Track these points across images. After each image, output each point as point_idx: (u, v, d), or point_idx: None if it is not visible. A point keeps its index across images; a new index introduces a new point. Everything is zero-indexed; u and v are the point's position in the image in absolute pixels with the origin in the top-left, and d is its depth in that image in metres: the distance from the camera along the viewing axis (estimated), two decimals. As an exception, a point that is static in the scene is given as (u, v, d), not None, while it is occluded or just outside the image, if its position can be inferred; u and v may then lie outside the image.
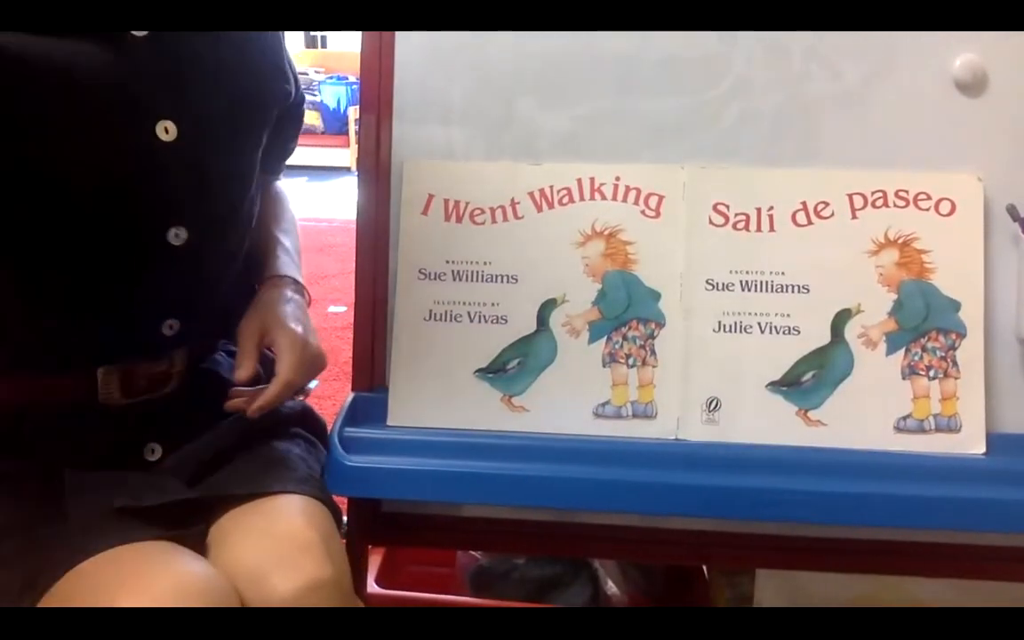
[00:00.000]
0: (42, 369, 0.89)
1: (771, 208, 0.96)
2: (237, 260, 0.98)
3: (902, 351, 0.94)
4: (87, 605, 0.75)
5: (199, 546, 0.86)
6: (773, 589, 1.18)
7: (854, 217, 0.95)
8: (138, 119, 0.84)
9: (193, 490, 0.89)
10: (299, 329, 0.94)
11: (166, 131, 0.85)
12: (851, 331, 0.94)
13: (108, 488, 0.86)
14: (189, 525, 0.86)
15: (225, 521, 0.88)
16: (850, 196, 0.95)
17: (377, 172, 0.99)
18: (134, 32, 0.83)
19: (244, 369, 0.92)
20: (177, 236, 0.88)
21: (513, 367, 0.96)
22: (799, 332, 0.95)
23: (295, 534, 0.85)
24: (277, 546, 0.84)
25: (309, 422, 1.04)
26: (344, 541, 0.93)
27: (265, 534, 0.85)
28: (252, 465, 0.92)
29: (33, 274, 0.86)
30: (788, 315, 0.95)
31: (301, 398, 0.98)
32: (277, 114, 1.00)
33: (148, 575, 0.77)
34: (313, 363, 0.95)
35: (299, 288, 1.00)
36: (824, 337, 0.94)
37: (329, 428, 0.96)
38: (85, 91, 0.81)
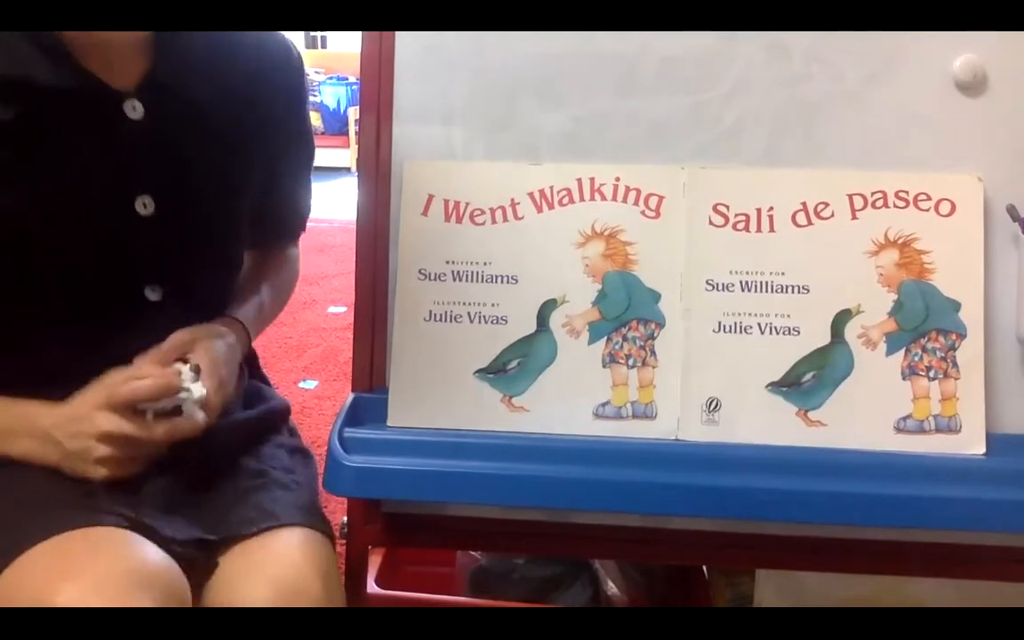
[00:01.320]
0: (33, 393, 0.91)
1: (771, 208, 0.96)
2: (223, 305, 1.03)
3: (902, 351, 0.94)
4: (31, 592, 0.75)
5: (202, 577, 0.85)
6: (773, 589, 1.18)
7: (854, 217, 0.95)
8: (117, 195, 0.88)
9: (196, 526, 0.88)
10: (223, 368, 0.94)
11: (144, 206, 0.89)
12: (851, 331, 0.94)
13: (112, 497, 0.87)
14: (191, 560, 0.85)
15: (224, 557, 0.87)
16: (850, 196, 0.95)
17: (377, 172, 0.99)
18: (130, 115, 0.87)
19: (151, 359, 0.90)
20: (154, 292, 0.93)
21: (513, 367, 0.96)
22: (799, 332, 0.94)
23: (296, 578, 0.84)
24: (277, 592, 0.83)
25: (292, 426, 1.05)
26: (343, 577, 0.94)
27: (265, 577, 0.84)
28: (251, 495, 0.92)
29: (24, 321, 0.90)
30: (788, 315, 0.95)
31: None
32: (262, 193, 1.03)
33: (95, 561, 0.77)
34: (222, 403, 0.95)
35: (245, 339, 1.01)
36: (824, 337, 0.94)
37: (328, 429, 0.96)
38: (70, 168, 0.86)
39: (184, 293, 0.95)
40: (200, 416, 0.88)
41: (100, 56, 0.86)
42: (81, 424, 0.85)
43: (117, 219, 0.89)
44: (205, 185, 0.95)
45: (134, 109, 0.87)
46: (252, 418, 1.02)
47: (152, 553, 0.80)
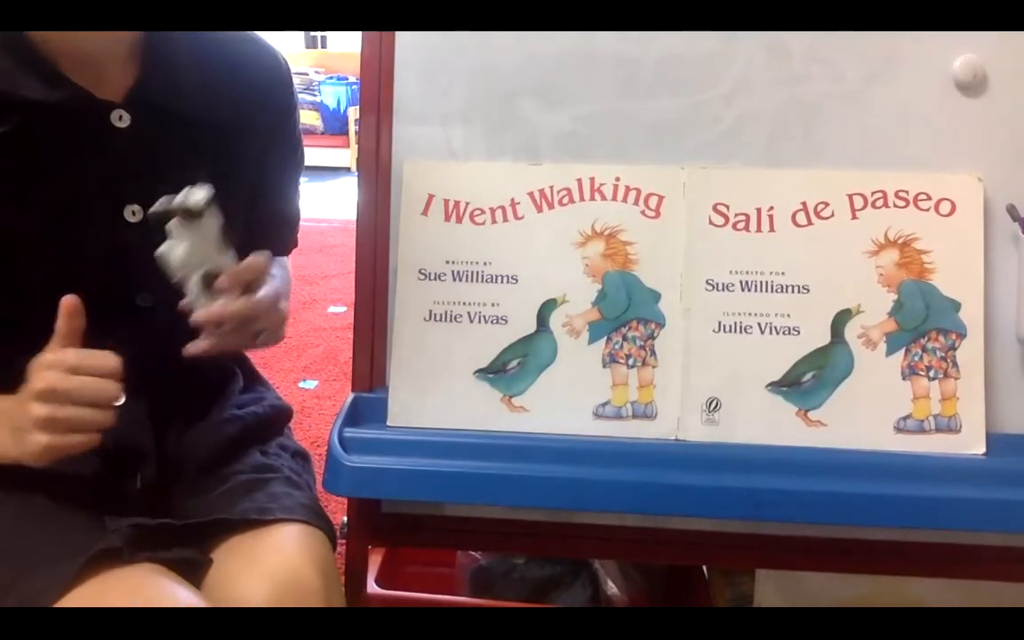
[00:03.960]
0: None
1: (771, 208, 0.96)
2: None
3: (902, 351, 0.94)
4: None
5: (193, 568, 0.85)
6: (773, 589, 1.18)
7: (854, 217, 0.95)
8: (105, 204, 0.90)
9: (189, 513, 0.88)
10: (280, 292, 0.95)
11: (133, 214, 0.90)
12: (851, 331, 0.94)
13: (97, 514, 0.86)
14: (183, 546, 0.85)
15: (222, 550, 0.87)
16: (850, 196, 0.95)
17: (377, 172, 0.99)
18: (116, 125, 0.88)
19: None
20: (144, 298, 0.93)
21: (513, 367, 0.96)
22: (799, 332, 0.94)
23: (294, 573, 0.84)
24: (275, 588, 0.83)
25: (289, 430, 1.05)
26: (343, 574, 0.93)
27: (263, 572, 0.84)
28: (256, 488, 0.92)
29: (15, 328, 0.89)
30: (788, 315, 0.95)
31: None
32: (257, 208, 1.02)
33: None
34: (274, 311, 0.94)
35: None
36: (824, 337, 0.94)
37: (328, 429, 0.96)
38: (60, 179, 0.87)
39: (175, 299, 0.95)
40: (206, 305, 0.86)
41: (89, 70, 0.87)
42: (21, 394, 0.82)
43: (106, 227, 0.90)
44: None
45: (120, 119, 0.89)
46: (261, 415, 1.02)
47: (184, 595, 0.80)
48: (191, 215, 0.84)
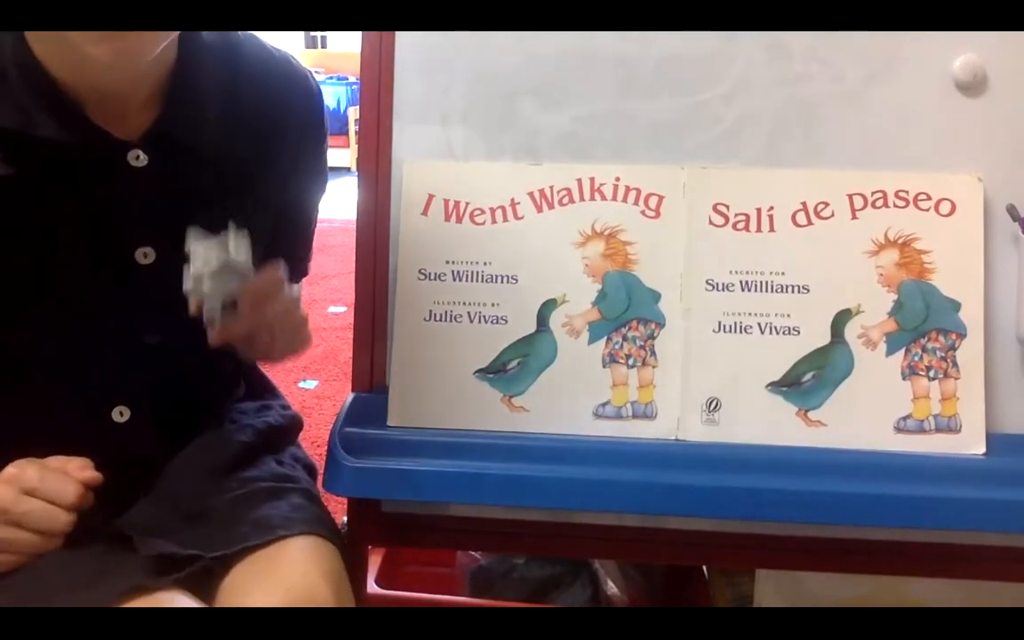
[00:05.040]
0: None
1: (771, 208, 0.96)
2: (213, 355, 0.98)
3: (902, 351, 0.94)
4: None
5: (204, 588, 0.85)
6: (773, 589, 1.18)
7: (854, 217, 0.95)
8: (117, 245, 0.88)
9: (197, 542, 0.87)
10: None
11: (145, 256, 0.89)
12: (851, 331, 0.94)
13: (115, 533, 0.86)
14: (191, 568, 0.85)
15: (235, 571, 0.86)
16: (850, 196, 0.95)
17: (377, 172, 0.99)
18: (133, 164, 0.86)
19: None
20: (151, 337, 0.92)
21: (513, 367, 0.96)
22: (799, 332, 0.94)
23: (309, 588, 0.84)
24: (292, 603, 0.82)
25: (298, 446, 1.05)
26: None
27: (276, 583, 0.84)
28: (268, 496, 0.92)
29: (21, 366, 0.89)
30: (788, 315, 0.95)
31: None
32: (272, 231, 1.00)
33: None
34: (297, 327, 0.94)
35: None
36: (824, 337, 0.94)
37: (328, 429, 0.96)
38: (72, 219, 0.86)
39: (182, 339, 0.93)
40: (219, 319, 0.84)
41: (107, 108, 0.85)
42: None
43: (116, 269, 0.89)
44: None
45: (138, 159, 0.87)
46: (274, 424, 1.02)
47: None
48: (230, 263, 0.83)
